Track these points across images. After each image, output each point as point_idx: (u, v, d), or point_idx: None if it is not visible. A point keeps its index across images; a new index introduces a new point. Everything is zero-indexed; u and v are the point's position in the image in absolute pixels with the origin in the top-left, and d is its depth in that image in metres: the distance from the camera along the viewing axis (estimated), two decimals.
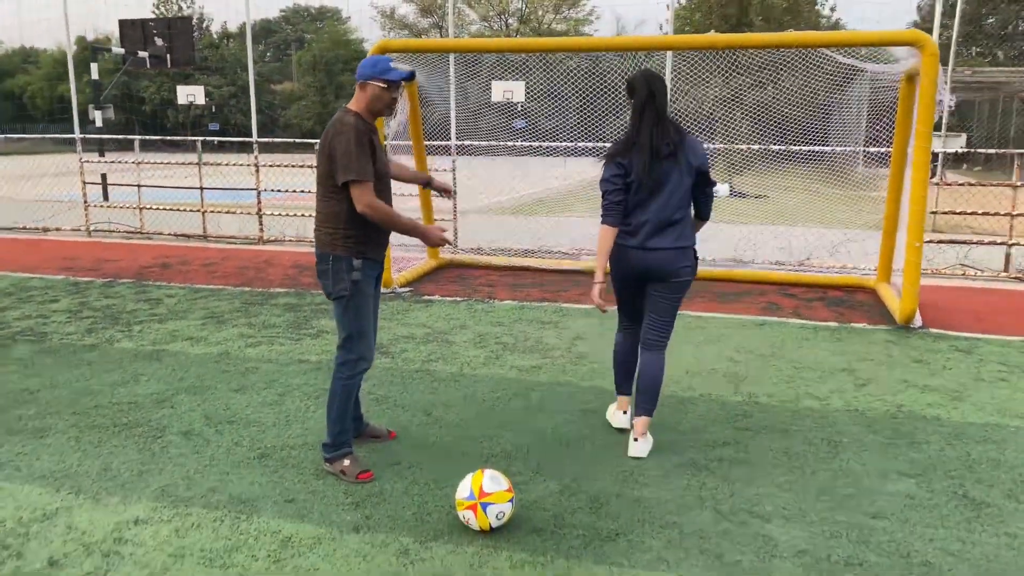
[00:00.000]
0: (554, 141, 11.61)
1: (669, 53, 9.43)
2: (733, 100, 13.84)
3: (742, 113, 13.45)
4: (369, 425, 4.15)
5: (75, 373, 5.17)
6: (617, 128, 11.67)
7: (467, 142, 10.13)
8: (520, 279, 8.32)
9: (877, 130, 9.59)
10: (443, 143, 10.00)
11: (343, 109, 3.57)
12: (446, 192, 4.16)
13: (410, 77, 3.69)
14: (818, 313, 6.97)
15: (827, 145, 10.73)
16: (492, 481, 3.23)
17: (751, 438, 4.21)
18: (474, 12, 50.72)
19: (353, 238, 3.53)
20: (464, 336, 6.12)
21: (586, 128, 11.43)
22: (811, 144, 10.47)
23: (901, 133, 6.97)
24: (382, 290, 7.46)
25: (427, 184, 4.13)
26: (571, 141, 10.95)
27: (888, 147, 9.07)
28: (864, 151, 10.76)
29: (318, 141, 3.76)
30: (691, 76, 11.86)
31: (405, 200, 9.10)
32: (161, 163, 11.38)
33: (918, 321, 6.45)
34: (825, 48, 6.84)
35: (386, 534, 3.19)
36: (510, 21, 50.49)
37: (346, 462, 3.68)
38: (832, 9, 32.11)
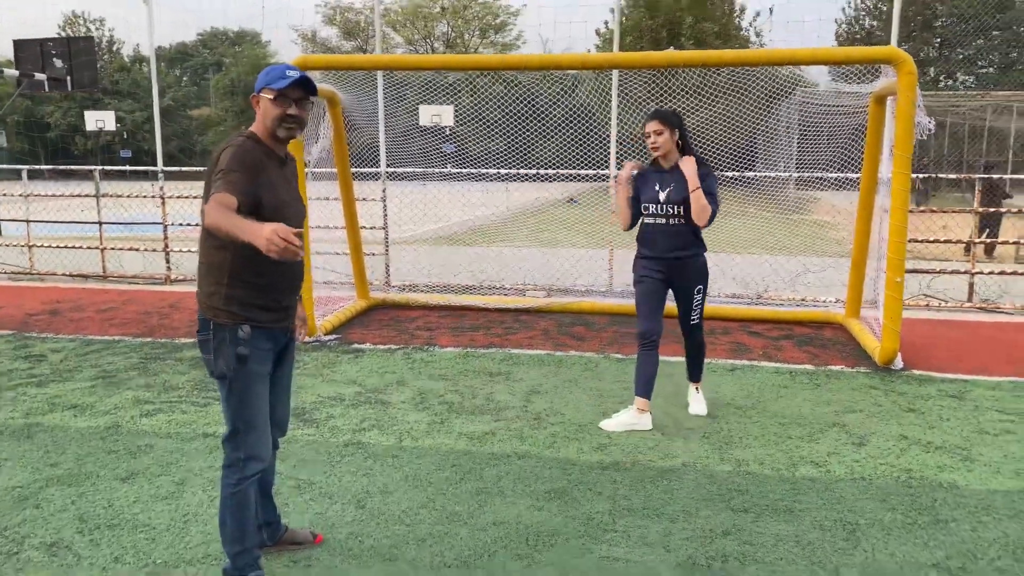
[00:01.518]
0: (485, 166, 10.99)
1: (615, 79, 8.85)
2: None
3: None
4: (288, 529, 3.32)
5: None
6: (548, 153, 11.04)
7: (398, 169, 9.33)
8: (461, 320, 7.54)
9: (805, 155, 9.25)
10: (372, 170, 9.18)
11: (241, 130, 2.93)
12: (302, 326, 3.20)
13: (303, 82, 2.81)
14: (790, 354, 6.40)
15: (755, 170, 10.36)
16: None
17: (753, 523, 3.53)
18: (399, 36, 50.06)
19: (237, 300, 2.78)
20: (402, 395, 5.31)
21: (517, 153, 10.80)
22: (741, 170, 10.06)
23: (871, 157, 6.49)
24: (305, 338, 6.60)
25: None
26: (502, 167, 10.29)
27: (817, 172, 8.70)
28: (795, 176, 10.40)
29: None
30: (630, 102, 11.38)
31: (328, 233, 8.27)
32: (54, 195, 10.24)
33: (899, 362, 5.93)
34: (793, 65, 6.31)
35: None
36: (436, 45, 49.97)
37: None
38: (758, 34, 32.56)
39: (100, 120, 36.65)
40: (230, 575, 2.91)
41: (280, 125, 2.80)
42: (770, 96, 9.89)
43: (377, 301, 8.06)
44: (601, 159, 9.27)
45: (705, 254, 4.78)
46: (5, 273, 10.12)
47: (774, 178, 10.47)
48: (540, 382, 5.58)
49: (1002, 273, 8.28)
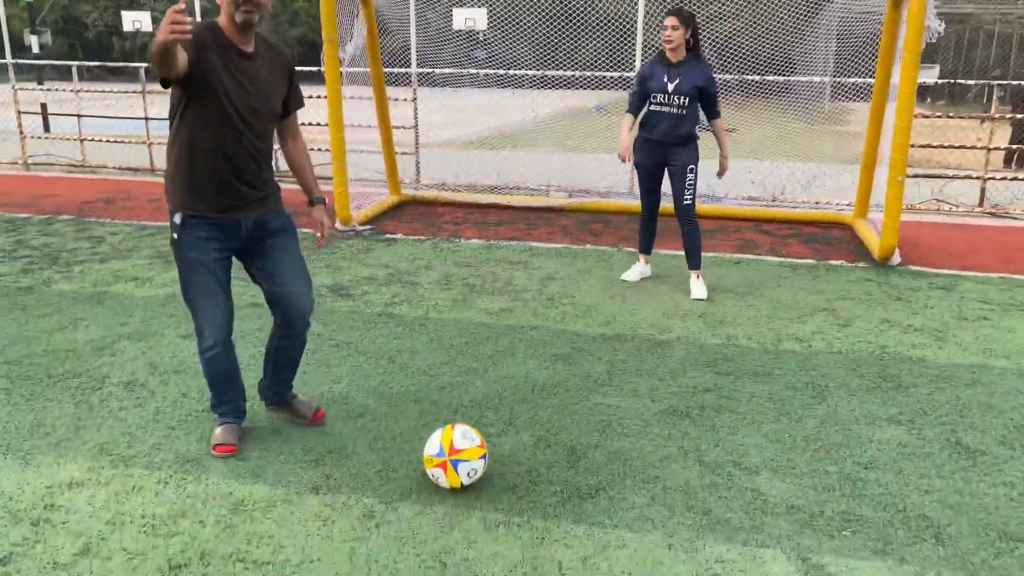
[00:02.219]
0: (517, 70, 11.12)
1: None
2: (703, 28, 13.44)
3: (709, 44, 13.04)
4: (296, 398, 3.50)
5: (7, 319, 4.77)
6: (578, 59, 11.15)
7: (428, 70, 9.62)
8: (487, 217, 7.99)
9: (845, 62, 9.33)
10: (403, 70, 9.48)
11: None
12: (320, 229, 3.36)
13: None
14: (794, 250, 6.77)
15: (793, 76, 10.42)
16: (463, 437, 2.97)
17: (733, 383, 4.01)
18: None
19: (178, 188, 2.92)
20: (429, 277, 5.81)
21: (550, 58, 10.95)
22: (778, 74, 10.14)
23: (884, 63, 6.68)
24: (341, 228, 7.11)
25: (309, 202, 3.34)
26: (535, 70, 10.47)
27: (856, 78, 8.83)
28: (832, 83, 10.46)
29: None
30: (663, 6, 11.39)
31: (360, 132, 8.66)
32: (103, 91, 10.69)
33: (897, 258, 6.28)
34: None
35: (348, 495, 2.94)
36: None
37: (216, 430, 3.25)
38: None
39: (137, 20, 36.79)
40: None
41: (238, 9, 2.75)
42: (808, 2, 9.90)
43: (408, 197, 8.51)
44: (628, 61, 9.45)
45: (698, 141, 5.48)
46: (59, 165, 10.71)
47: (809, 87, 10.56)
48: (556, 270, 6.04)
49: (1014, 179, 8.45)
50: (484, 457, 2.97)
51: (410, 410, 3.65)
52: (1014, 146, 10.39)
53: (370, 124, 8.40)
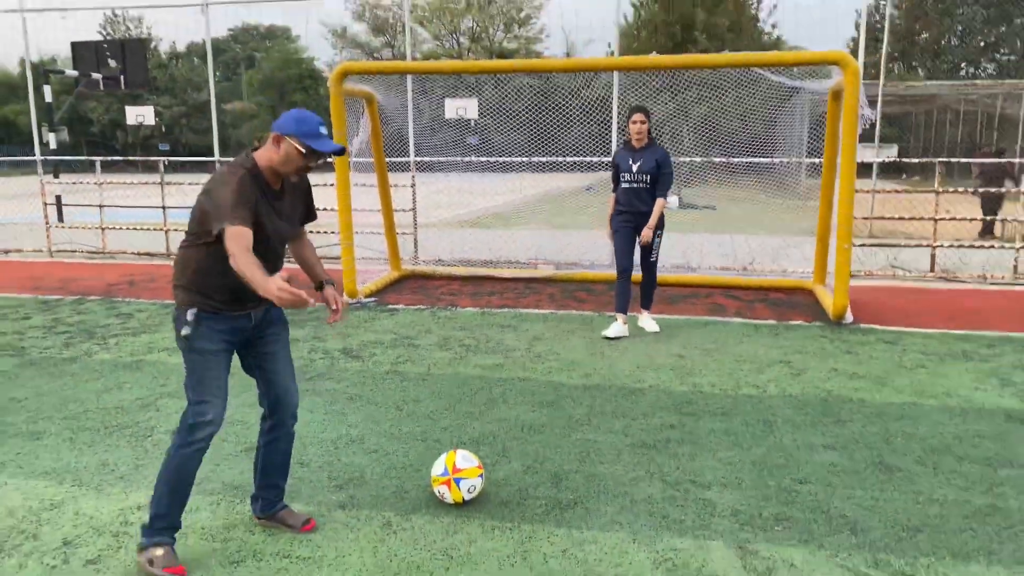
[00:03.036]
0: (507, 156, 12.00)
1: (616, 76, 9.97)
2: (679, 115, 14.47)
3: (688, 128, 14.06)
4: (286, 508, 3.42)
5: (59, 383, 5.41)
6: (565, 143, 12.09)
7: (425, 158, 10.52)
8: (480, 288, 8.72)
9: (819, 142, 10.25)
10: (401, 159, 10.37)
11: (244, 154, 3.03)
12: (331, 308, 3.29)
13: (340, 152, 3.02)
14: (759, 313, 7.49)
15: (772, 157, 11.32)
16: (464, 459, 3.61)
17: (695, 421, 4.66)
18: (426, 31, 51.23)
19: (195, 289, 3.01)
20: (429, 340, 6.49)
21: (538, 143, 11.88)
22: (756, 156, 11.05)
23: (830, 145, 7.55)
24: (348, 300, 7.82)
25: (319, 286, 3.37)
26: (524, 156, 11.39)
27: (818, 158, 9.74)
28: (807, 163, 11.37)
29: None
30: (639, 93, 12.42)
31: (363, 215, 9.46)
32: (122, 183, 11.55)
33: (849, 317, 6.99)
34: (757, 68, 7.38)
35: (369, 510, 3.55)
36: (462, 40, 51.08)
37: (158, 552, 3.03)
38: (773, 26, 33.34)
39: (140, 115, 38.37)
40: (147, 530, 3.08)
41: (296, 172, 2.99)
42: (780, 93, 10.89)
43: (408, 272, 9.26)
44: (606, 146, 10.36)
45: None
46: (81, 252, 11.47)
47: (786, 166, 11.49)
48: (543, 332, 6.73)
49: (960, 246, 9.26)
50: (482, 476, 3.61)
51: (417, 447, 4.28)
52: (988, 217, 11.17)
53: (371, 208, 9.20)
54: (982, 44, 42.36)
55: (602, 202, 12.36)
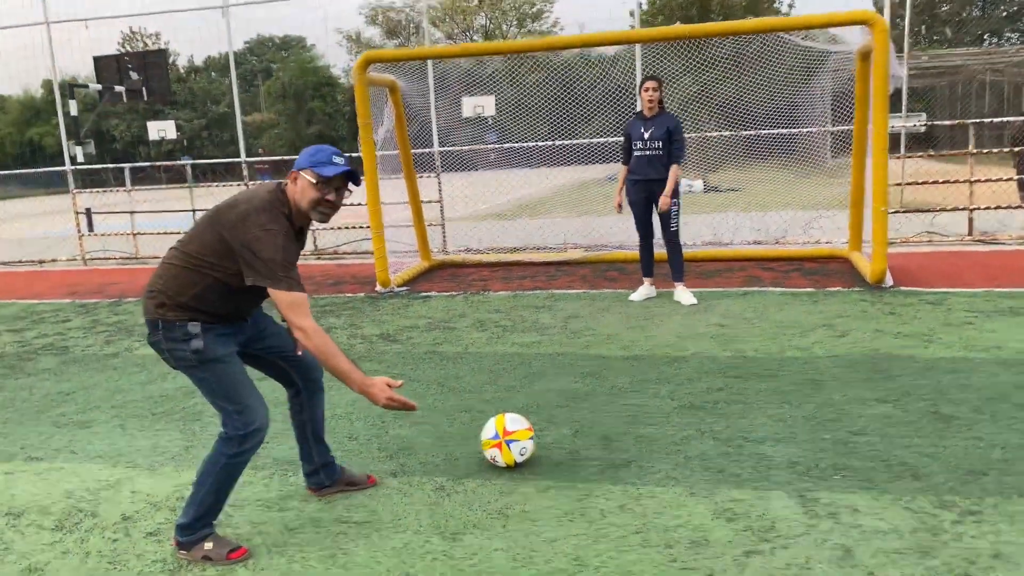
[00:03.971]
0: (528, 152, 11.89)
1: (639, 56, 9.90)
2: (702, 96, 14.35)
3: (710, 109, 13.93)
4: (344, 471, 3.47)
5: (104, 376, 5.47)
6: (587, 135, 11.98)
7: (449, 148, 10.52)
8: (511, 273, 8.69)
9: (840, 113, 10.13)
10: (426, 150, 10.38)
11: (279, 191, 2.87)
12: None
13: (350, 175, 2.88)
14: (796, 282, 7.39)
15: (795, 127, 11.17)
16: (513, 421, 3.58)
17: (742, 383, 4.60)
18: (440, 31, 51.33)
19: (194, 308, 2.83)
20: (465, 323, 6.47)
21: (559, 137, 11.77)
22: (781, 128, 10.92)
23: (861, 109, 7.43)
24: (381, 289, 7.83)
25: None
26: (549, 140, 11.33)
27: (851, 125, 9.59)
28: (831, 134, 11.19)
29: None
30: (666, 76, 12.32)
31: (396, 210, 9.47)
32: (152, 188, 11.67)
33: (889, 281, 6.88)
34: (783, 32, 7.27)
35: (421, 476, 3.54)
36: (475, 38, 51.12)
37: (207, 545, 2.93)
38: (791, 5, 32.99)
39: (162, 130, 38.86)
40: (186, 531, 2.93)
41: (315, 208, 2.84)
42: (803, 66, 10.79)
43: (437, 262, 9.26)
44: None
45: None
46: (115, 259, 11.61)
47: (811, 145, 11.34)
48: (577, 311, 6.69)
49: (998, 208, 9.08)
50: (532, 438, 3.58)
51: (462, 418, 4.26)
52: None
53: (397, 201, 9.20)
54: (1004, 14, 41.65)
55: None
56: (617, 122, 10.94)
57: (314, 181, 2.82)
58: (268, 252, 2.71)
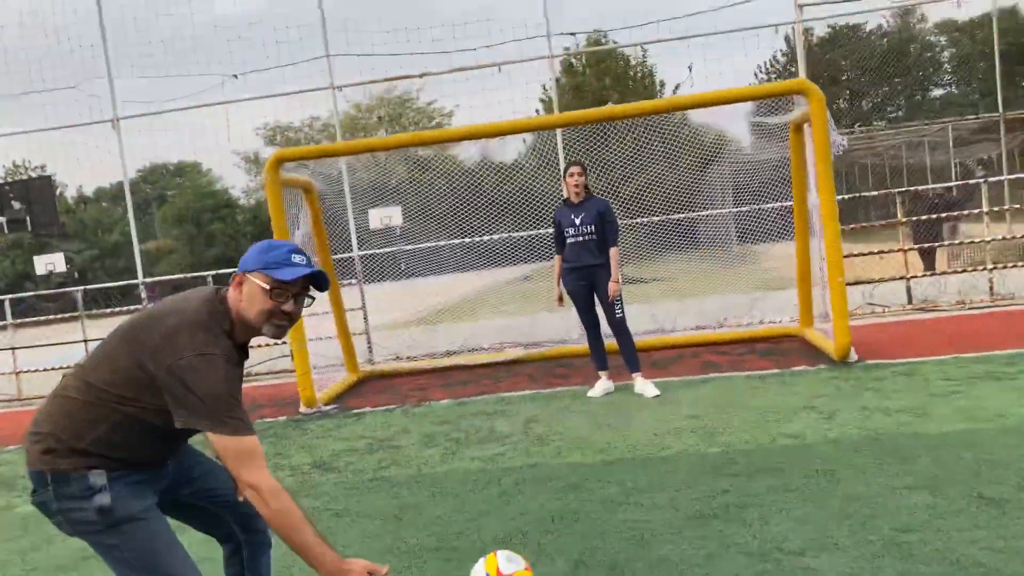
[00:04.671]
0: (438, 258, 11.27)
1: (560, 145, 9.67)
2: (609, 191, 14.34)
3: (617, 205, 13.89)
4: None
5: None
6: (496, 238, 11.39)
7: (371, 251, 9.90)
8: (449, 379, 7.98)
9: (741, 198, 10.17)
10: (346, 255, 9.72)
11: (217, 300, 2.24)
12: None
13: (314, 279, 2.28)
14: (755, 363, 6.97)
15: (697, 231, 11.12)
16: (508, 562, 2.85)
17: (746, 482, 4.00)
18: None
19: (90, 453, 2.14)
20: (410, 439, 5.71)
21: (468, 243, 11.20)
22: (683, 234, 10.81)
23: (798, 183, 7.26)
24: (306, 410, 6.99)
25: None
26: (454, 253, 10.78)
27: (758, 204, 9.52)
28: (735, 220, 11.11)
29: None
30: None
31: (314, 321, 8.70)
32: (37, 319, 10.52)
33: (854, 356, 6.53)
34: (718, 106, 7.07)
35: None
36: (377, 154, 51.43)
37: None
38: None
39: (50, 263, 36.86)
40: None
41: (267, 321, 2.21)
42: (701, 161, 10.88)
43: (366, 373, 8.47)
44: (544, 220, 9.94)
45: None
46: None
47: (715, 235, 11.25)
48: (536, 413, 6.03)
49: (934, 274, 9.05)
50: None
51: (432, 559, 3.49)
52: (922, 245, 11.05)
53: (316, 312, 8.46)
54: (869, 105, 44.83)
55: (547, 288, 11.88)
56: (527, 218, 10.56)
57: (267, 287, 2.20)
58: (206, 385, 2.07)
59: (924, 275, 9.05)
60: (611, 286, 6.16)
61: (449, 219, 11.84)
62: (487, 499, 4.18)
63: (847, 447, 4.37)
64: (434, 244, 10.63)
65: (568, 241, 6.34)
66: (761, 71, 43.67)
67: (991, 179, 10.41)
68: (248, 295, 2.21)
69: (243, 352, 2.29)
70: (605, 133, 10.47)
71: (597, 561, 3.26)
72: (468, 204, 11.40)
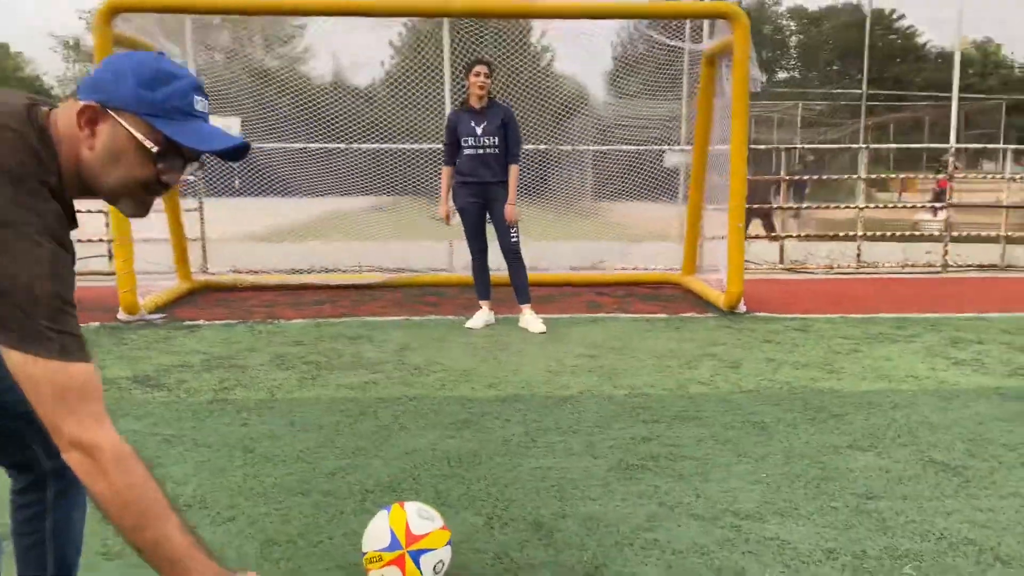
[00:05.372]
0: (276, 182, 10.03)
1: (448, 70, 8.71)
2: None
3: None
4: None
5: None
6: (341, 165, 10.23)
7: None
8: (300, 298, 7.02)
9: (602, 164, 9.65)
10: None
11: (31, 120, 1.30)
12: None
13: (239, 151, 1.39)
14: (640, 307, 6.54)
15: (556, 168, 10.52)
16: (420, 518, 2.13)
17: (668, 430, 3.47)
18: (176, 47, 47.12)
19: None
20: (258, 359, 4.79)
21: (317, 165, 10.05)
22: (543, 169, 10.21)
23: (703, 123, 6.80)
24: (125, 317, 5.85)
25: None
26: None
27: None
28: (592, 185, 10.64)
29: None
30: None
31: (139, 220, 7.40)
32: None
33: (742, 307, 6.22)
34: (638, 20, 6.43)
35: None
36: (216, 56, 47.58)
37: None
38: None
39: None
40: None
41: (131, 195, 1.39)
42: (564, 110, 10.16)
43: (201, 283, 7.33)
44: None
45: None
46: None
47: (569, 189, 10.71)
48: (408, 341, 5.27)
49: (807, 237, 9.03)
50: (450, 543, 2.15)
51: (300, 504, 2.70)
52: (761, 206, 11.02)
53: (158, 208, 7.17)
54: None
55: (400, 219, 10.97)
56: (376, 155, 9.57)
57: (153, 147, 1.33)
58: (18, 275, 1.22)
59: (796, 236, 8.98)
60: (508, 209, 5.51)
61: (292, 136, 10.60)
62: (363, 434, 3.41)
63: (767, 399, 3.95)
64: (280, 151, 9.40)
65: (465, 152, 5.58)
66: None
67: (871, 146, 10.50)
68: (108, 146, 1.33)
69: (71, 219, 1.39)
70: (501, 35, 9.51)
71: (513, 516, 2.60)
72: (317, 129, 10.22)
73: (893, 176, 18.10)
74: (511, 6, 6.20)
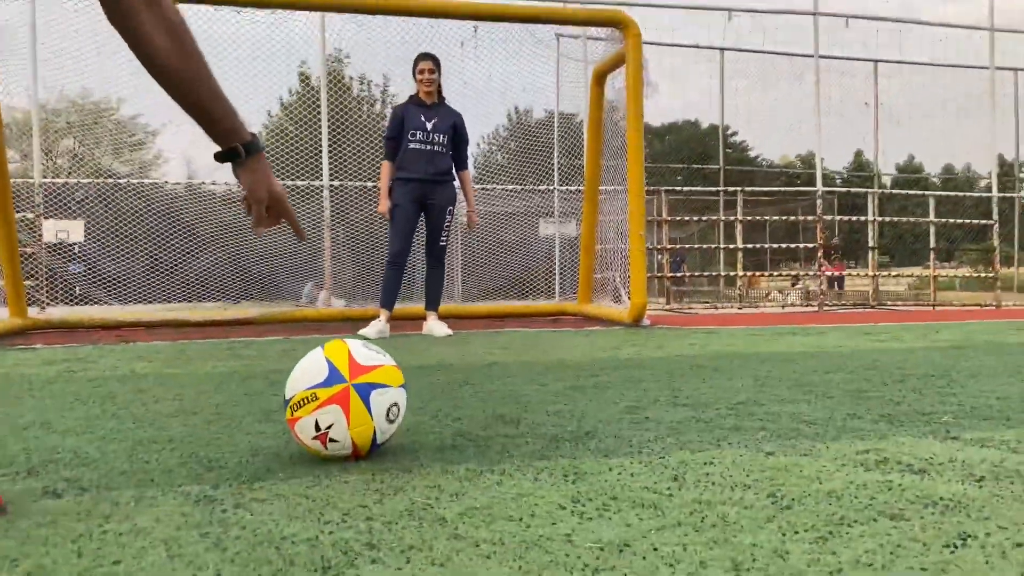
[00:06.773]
0: (121, 287, 9.15)
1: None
2: None
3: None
4: None
5: None
6: (193, 269, 9.49)
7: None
8: (159, 333, 6.19)
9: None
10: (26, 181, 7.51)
11: None
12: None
13: None
14: (546, 325, 6.21)
15: None
16: (368, 349, 1.65)
17: (594, 378, 3.05)
18: (14, 151, 44.43)
19: None
20: (109, 362, 4.06)
21: (159, 271, 9.26)
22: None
23: (594, 141, 6.71)
24: None
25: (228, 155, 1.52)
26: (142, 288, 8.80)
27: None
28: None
29: None
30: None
31: None
32: None
33: (646, 321, 6.01)
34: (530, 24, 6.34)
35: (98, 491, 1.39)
36: (59, 161, 45.19)
37: None
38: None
39: None
40: None
41: None
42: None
43: (40, 321, 6.34)
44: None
45: (456, 184, 5.53)
46: None
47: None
48: (291, 347, 4.66)
49: (697, 276, 9.09)
50: (404, 387, 1.67)
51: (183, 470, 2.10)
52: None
53: None
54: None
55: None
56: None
57: None
58: None
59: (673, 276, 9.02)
60: (472, 217, 5.59)
61: (142, 242, 9.77)
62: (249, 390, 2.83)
63: (701, 361, 3.66)
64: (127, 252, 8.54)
65: (410, 146, 5.28)
66: None
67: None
68: None
69: None
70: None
71: (468, 415, 2.14)
72: (164, 231, 9.57)
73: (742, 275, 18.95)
74: (395, 3, 5.90)
